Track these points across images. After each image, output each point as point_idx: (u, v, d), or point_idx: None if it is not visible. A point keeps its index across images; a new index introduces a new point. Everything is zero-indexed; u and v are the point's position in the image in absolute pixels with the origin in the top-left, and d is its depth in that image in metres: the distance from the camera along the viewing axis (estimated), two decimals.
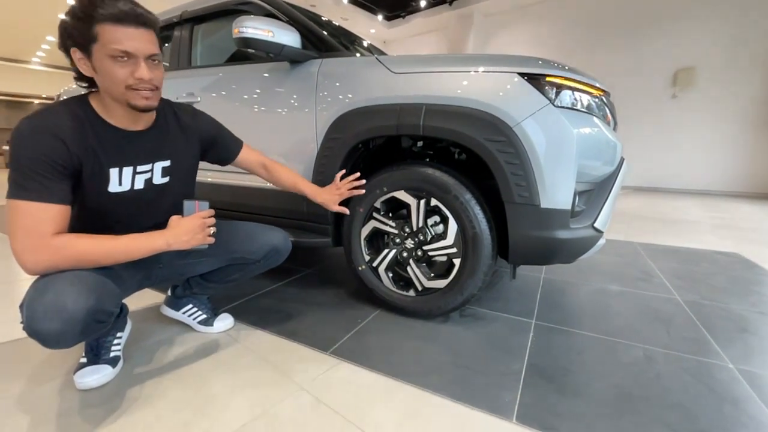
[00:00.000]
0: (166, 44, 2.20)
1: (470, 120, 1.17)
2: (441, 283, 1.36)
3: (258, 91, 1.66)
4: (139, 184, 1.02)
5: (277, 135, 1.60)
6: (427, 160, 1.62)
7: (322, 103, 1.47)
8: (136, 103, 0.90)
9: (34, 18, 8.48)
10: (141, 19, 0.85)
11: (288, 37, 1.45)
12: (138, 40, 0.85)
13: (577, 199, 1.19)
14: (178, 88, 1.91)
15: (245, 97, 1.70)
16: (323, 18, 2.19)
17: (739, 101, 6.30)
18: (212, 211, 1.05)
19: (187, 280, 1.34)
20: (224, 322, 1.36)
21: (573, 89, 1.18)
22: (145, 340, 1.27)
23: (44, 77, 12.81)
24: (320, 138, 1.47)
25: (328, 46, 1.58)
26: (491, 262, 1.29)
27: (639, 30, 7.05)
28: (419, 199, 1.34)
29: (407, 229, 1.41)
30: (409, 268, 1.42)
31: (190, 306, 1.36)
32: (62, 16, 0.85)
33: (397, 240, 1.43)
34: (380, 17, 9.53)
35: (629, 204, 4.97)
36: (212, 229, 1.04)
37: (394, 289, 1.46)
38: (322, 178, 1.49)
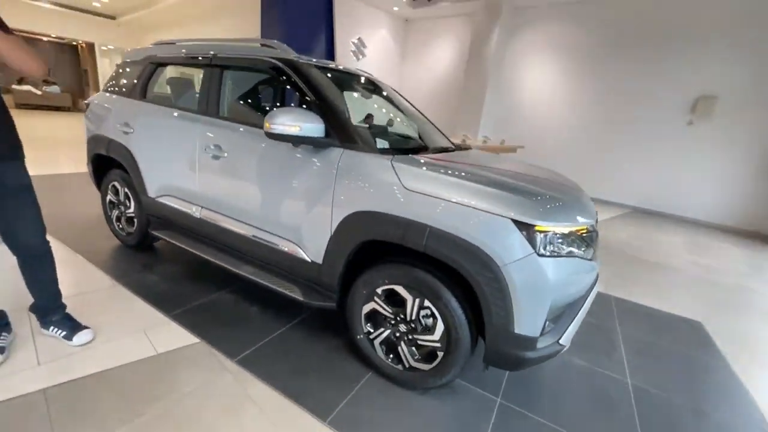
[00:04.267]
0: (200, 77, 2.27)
1: (467, 252, 1.35)
2: (425, 367, 1.60)
3: (285, 161, 1.81)
4: None
5: (298, 206, 1.78)
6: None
7: (340, 194, 1.63)
8: None
9: None
10: None
11: (313, 128, 1.59)
12: None
13: (546, 324, 1.40)
14: (204, 137, 2.05)
15: (272, 162, 1.86)
16: (339, 67, 2.30)
17: (754, 139, 6.29)
18: None
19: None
20: (82, 337, 1.72)
21: (559, 235, 1.36)
22: (157, 384, 1.53)
23: (56, 17, 12.44)
24: (335, 224, 1.65)
25: (348, 137, 1.70)
26: (468, 356, 1.52)
27: (666, 48, 6.86)
28: (415, 297, 1.55)
29: (401, 316, 1.63)
30: (399, 348, 1.66)
31: (53, 327, 1.75)
32: None
33: (392, 322, 1.65)
34: None
35: (619, 234, 5.13)
36: None
37: (386, 360, 1.70)
38: (332, 257, 1.69)
